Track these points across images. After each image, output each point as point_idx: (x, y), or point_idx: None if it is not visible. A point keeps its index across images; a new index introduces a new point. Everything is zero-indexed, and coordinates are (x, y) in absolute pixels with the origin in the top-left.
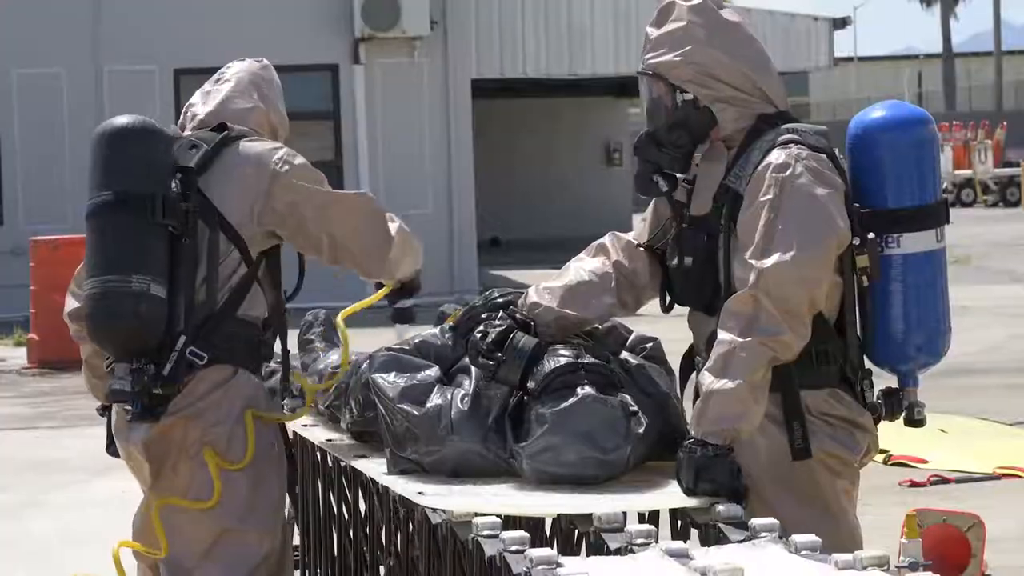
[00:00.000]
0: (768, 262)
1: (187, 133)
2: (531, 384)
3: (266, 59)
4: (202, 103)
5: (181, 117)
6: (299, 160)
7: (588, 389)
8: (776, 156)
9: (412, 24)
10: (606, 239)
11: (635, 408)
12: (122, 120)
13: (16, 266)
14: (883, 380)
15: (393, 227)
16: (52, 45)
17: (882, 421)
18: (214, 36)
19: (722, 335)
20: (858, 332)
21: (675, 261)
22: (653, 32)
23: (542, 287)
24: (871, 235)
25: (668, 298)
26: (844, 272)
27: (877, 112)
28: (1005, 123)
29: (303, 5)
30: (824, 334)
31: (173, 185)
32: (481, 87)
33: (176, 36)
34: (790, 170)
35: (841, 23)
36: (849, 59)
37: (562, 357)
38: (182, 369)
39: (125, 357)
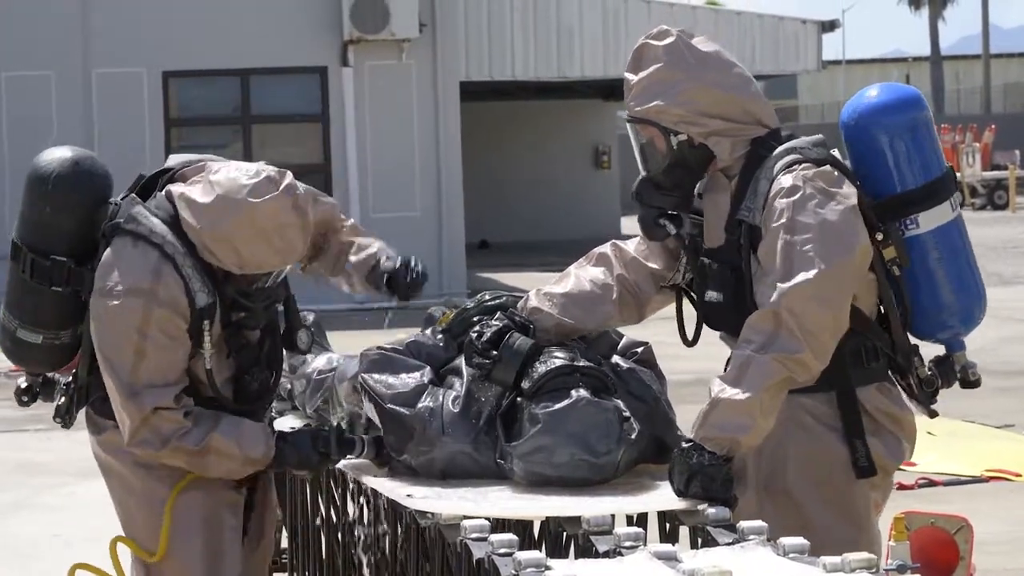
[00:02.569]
0: (790, 283)
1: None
2: (525, 384)
3: (272, 181)
4: (198, 184)
5: (182, 168)
6: (112, 304)
7: (583, 392)
8: (785, 181)
9: (401, 26)
10: (608, 249)
11: (628, 413)
12: (44, 171)
13: (3, 270)
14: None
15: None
16: (40, 48)
17: (939, 390)
18: (203, 39)
19: (741, 348)
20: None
21: (705, 295)
22: (633, 78)
23: (543, 292)
24: (881, 226)
25: (695, 331)
26: (875, 267)
27: (868, 98)
28: (993, 126)
29: (291, 8)
30: (869, 330)
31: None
32: (470, 89)
33: (165, 39)
34: (800, 193)
35: (829, 26)
36: (837, 62)
37: (557, 359)
38: (72, 409)
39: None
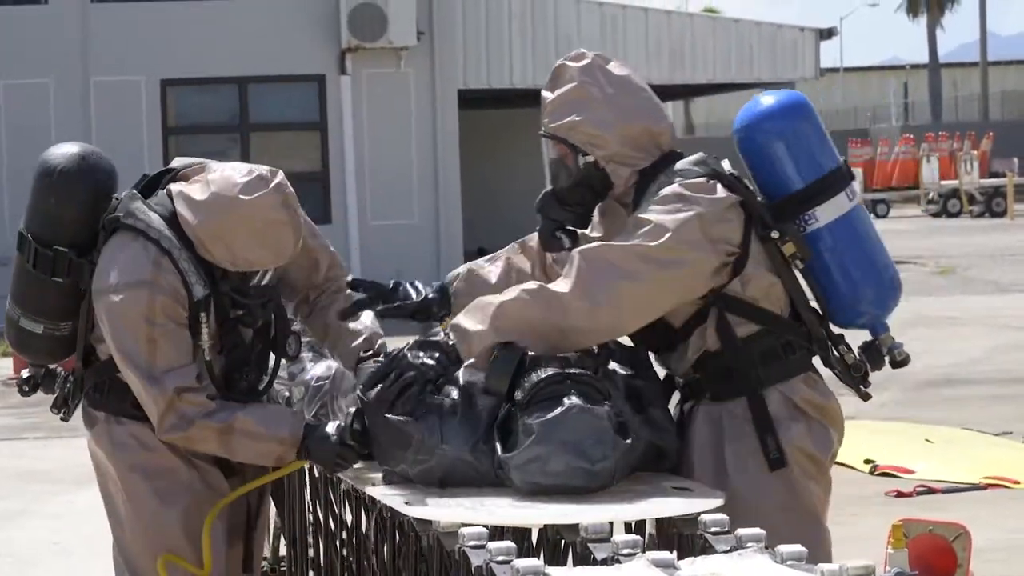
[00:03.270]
0: (602, 243)
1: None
2: (518, 395)
3: (264, 178)
4: (196, 183)
5: (184, 168)
6: (118, 298)
7: (575, 399)
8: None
9: (399, 34)
10: (535, 242)
11: (622, 419)
12: (51, 165)
13: (1, 276)
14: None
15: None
16: (39, 56)
17: (870, 374)
18: (201, 47)
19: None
20: (815, 308)
21: None
22: (548, 96)
23: (469, 267)
24: (773, 225)
25: None
26: (777, 265)
27: (754, 107)
28: (991, 133)
29: (289, 16)
30: (783, 327)
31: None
32: (467, 97)
33: (163, 47)
34: (660, 198)
35: (827, 34)
36: (835, 70)
37: (549, 368)
38: (70, 400)
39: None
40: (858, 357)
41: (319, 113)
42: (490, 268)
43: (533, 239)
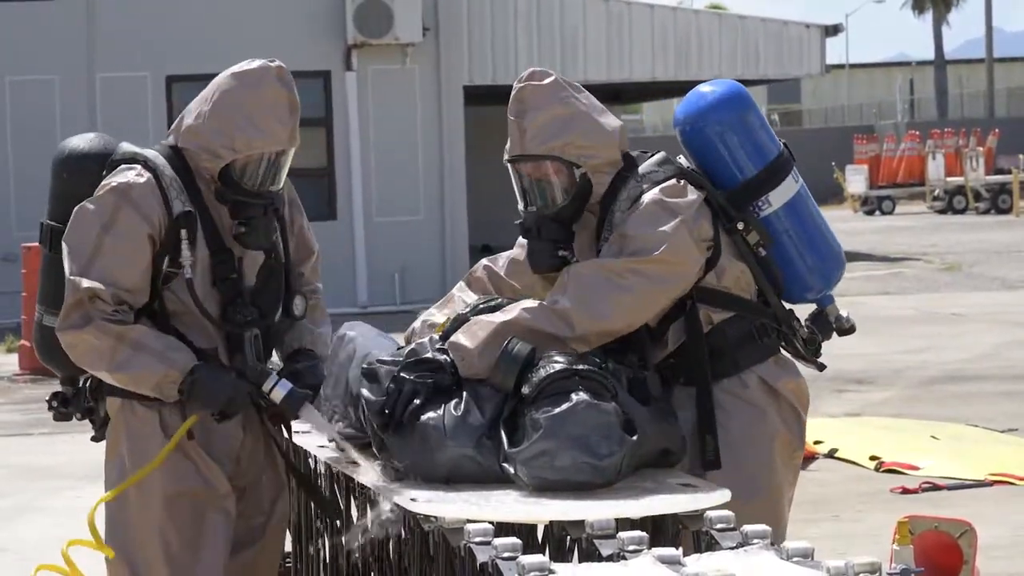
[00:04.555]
0: (591, 260)
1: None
2: (526, 390)
3: (258, 61)
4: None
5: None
6: (85, 213)
7: (583, 395)
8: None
9: (405, 31)
10: (481, 272)
11: (629, 415)
12: (63, 146)
13: (8, 273)
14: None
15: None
16: (45, 52)
17: (822, 344)
18: (206, 43)
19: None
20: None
21: None
22: (523, 120)
23: (428, 323)
24: (736, 215)
25: None
26: (743, 253)
27: (693, 102)
28: (997, 130)
29: (295, 12)
30: (754, 310)
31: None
32: (473, 93)
33: (169, 43)
34: (636, 212)
35: (833, 30)
36: (841, 66)
37: (557, 363)
38: (83, 397)
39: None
40: (809, 329)
41: (325, 109)
42: (447, 312)
43: (478, 270)
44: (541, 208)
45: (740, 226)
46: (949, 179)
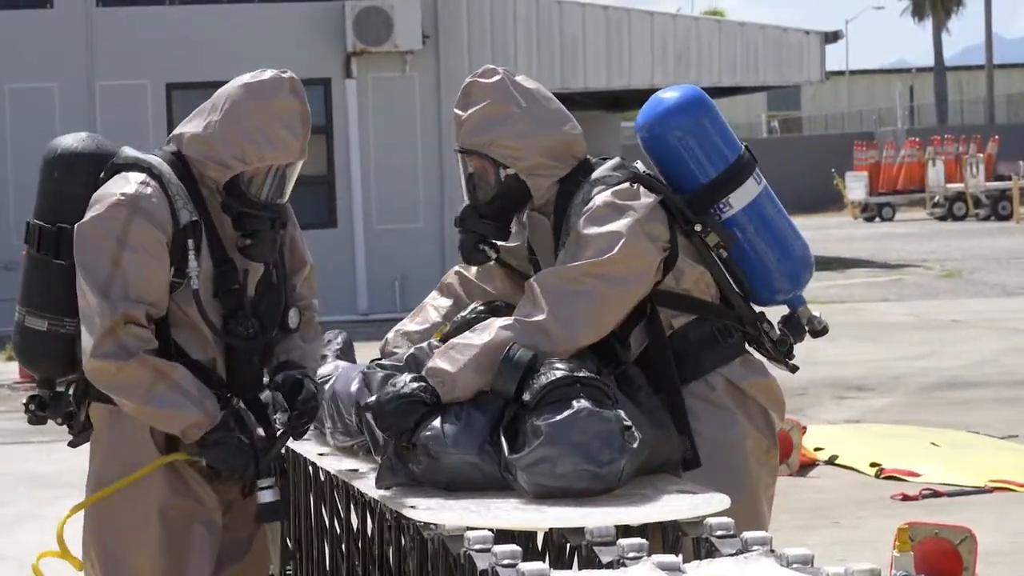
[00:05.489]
0: (550, 268)
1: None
2: (527, 396)
3: (270, 72)
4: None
5: None
6: (93, 214)
7: (584, 403)
8: (588, 206)
9: (404, 38)
10: (452, 278)
11: (629, 423)
12: (54, 145)
13: (8, 281)
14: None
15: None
16: (45, 60)
17: (794, 346)
18: (206, 51)
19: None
20: (738, 291)
21: None
22: (463, 113)
23: (401, 332)
24: (694, 217)
25: None
26: (703, 255)
27: (652, 107)
28: (997, 137)
29: (295, 19)
30: (715, 312)
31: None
32: None
33: (168, 51)
34: (588, 214)
35: (833, 37)
36: (841, 73)
37: (558, 370)
38: (62, 401)
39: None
40: (779, 332)
41: (325, 117)
42: (419, 322)
43: (449, 276)
44: (471, 200)
45: (698, 228)
46: (949, 186)
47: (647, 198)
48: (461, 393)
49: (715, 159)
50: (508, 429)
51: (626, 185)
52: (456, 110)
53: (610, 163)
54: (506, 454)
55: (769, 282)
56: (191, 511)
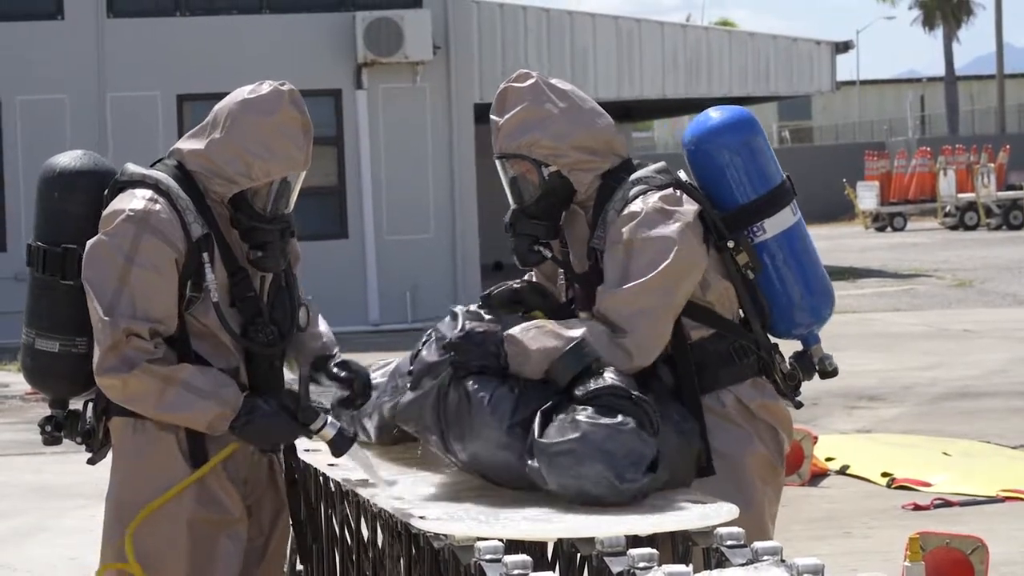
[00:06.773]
0: (615, 290)
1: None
2: (579, 391)
3: (268, 85)
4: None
5: None
6: (103, 232)
7: (630, 419)
8: (630, 208)
9: (415, 49)
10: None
11: (659, 453)
12: (51, 165)
13: (19, 292)
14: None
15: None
16: (55, 71)
17: (802, 383)
18: (217, 62)
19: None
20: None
21: (579, 316)
22: (500, 119)
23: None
24: (729, 235)
25: None
26: (730, 273)
27: (704, 122)
28: (1008, 146)
29: (305, 30)
30: (734, 331)
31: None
32: (484, 112)
33: (179, 62)
34: (640, 216)
35: (843, 47)
36: (852, 83)
37: (617, 380)
38: (78, 421)
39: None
40: (791, 366)
41: (335, 128)
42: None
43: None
44: (518, 204)
45: (731, 244)
46: (960, 195)
47: (691, 205)
48: (528, 371)
49: (757, 182)
50: (545, 413)
51: (670, 190)
52: (493, 116)
53: (656, 165)
54: (536, 435)
55: (790, 314)
56: (218, 522)
